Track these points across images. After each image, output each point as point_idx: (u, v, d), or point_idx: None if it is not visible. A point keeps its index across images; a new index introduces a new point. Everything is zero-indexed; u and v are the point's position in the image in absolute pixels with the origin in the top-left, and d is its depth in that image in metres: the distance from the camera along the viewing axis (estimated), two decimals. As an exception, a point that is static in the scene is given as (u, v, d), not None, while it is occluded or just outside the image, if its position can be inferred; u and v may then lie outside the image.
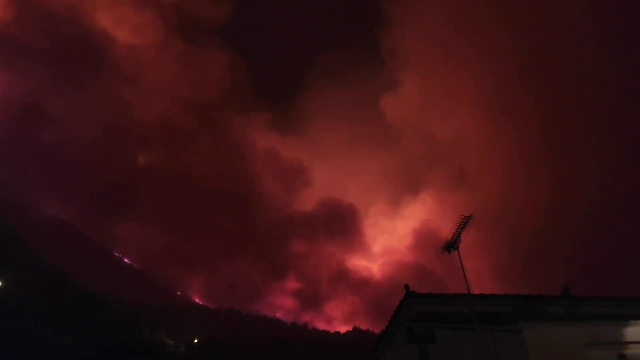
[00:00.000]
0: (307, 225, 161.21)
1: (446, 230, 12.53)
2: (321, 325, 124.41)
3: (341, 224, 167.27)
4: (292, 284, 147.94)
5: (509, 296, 13.58)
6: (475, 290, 12.76)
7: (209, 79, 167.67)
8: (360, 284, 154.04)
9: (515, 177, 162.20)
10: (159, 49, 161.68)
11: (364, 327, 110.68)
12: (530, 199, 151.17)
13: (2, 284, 57.85)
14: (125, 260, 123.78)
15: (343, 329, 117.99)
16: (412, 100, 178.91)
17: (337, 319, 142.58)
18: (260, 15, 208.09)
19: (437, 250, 12.70)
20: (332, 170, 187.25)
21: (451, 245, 12.47)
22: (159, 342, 68.69)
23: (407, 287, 16.56)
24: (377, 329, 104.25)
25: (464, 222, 12.25)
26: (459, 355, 13.68)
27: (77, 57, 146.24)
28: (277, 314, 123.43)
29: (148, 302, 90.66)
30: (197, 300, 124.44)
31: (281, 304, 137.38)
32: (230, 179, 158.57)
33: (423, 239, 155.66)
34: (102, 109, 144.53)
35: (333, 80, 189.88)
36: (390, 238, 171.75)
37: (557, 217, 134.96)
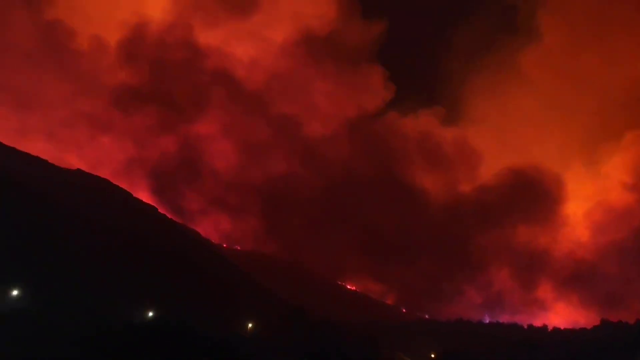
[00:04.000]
0: (494, 210, 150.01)
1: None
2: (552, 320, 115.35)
3: (534, 200, 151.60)
4: (496, 278, 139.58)
5: None
6: None
7: (367, 93, 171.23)
8: (573, 268, 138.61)
9: None
10: (321, 74, 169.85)
11: (613, 319, 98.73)
12: None
13: (252, 325, 65.44)
14: (348, 286, 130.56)
15: (589, 323, 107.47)
16: (559, 48, 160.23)
17: (559, 312, 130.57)
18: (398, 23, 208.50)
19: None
20: (507, 145, 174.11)
21: None
22: (400, 361, 70.20)
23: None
24: (630, 318, 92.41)
25: None
26: None
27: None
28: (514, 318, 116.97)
29: (378, 322, 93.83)
30: (424, 315, 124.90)
31: (491, 304, 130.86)
32: (405, 182, 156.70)
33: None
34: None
35: (474, 52, 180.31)
36: (599, 204, 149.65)
37: None
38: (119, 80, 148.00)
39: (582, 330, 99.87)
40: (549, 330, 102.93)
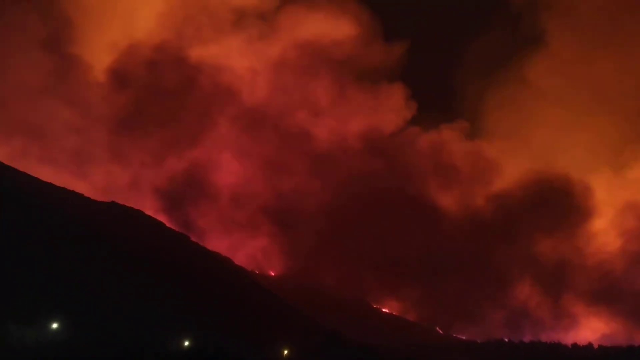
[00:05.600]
0: (521, 222, 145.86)
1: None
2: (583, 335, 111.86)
3: (563, 210, 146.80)
4: (524, 294, 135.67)
5: None
6: None
7: (389, 112, 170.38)
8: (604, 280, 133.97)
9: None
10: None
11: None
12: None
13: (288, 351, 65.00)
14: (383, 309, 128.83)
15: (634, 340, 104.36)
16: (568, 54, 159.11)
17: (591, 327, 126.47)
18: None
19: None
20: (531, 155, 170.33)
21: None
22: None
23: None
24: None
25: None
26: None
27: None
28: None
29: (413, 344, 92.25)
30: (459, 336, 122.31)
31: (519, 321, 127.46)
32: (429, 199, 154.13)
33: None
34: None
35: (490, 65, 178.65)
36: (629, 210, 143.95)
37: None
38: (124, 105, 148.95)
39: (630, 347, 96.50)
40: (595, 348, 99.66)
